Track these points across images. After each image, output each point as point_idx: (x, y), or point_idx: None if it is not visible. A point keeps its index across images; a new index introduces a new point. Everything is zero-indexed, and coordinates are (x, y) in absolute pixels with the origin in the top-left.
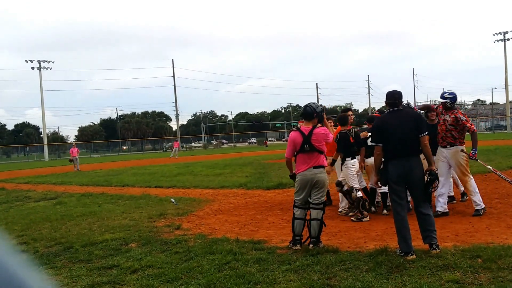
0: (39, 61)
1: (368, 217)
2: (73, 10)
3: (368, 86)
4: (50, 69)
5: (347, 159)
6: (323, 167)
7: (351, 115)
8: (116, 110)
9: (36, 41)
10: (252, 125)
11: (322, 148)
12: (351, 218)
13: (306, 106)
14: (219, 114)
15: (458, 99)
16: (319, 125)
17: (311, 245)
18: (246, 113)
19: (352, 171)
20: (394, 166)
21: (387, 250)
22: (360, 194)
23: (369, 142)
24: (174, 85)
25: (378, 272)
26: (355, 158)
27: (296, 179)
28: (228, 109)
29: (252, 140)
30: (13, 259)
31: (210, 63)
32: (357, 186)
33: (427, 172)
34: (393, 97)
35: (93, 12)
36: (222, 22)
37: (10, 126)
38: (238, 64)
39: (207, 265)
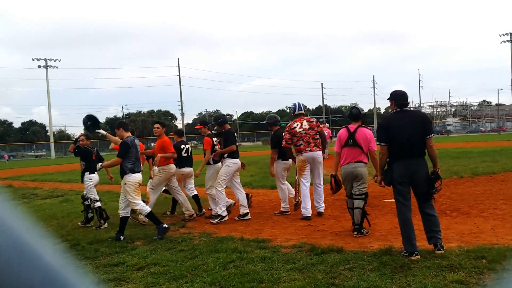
0: (45, 60)
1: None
2: (78, 9)
3: (374, 87)
4: (57, 67)
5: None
6: (363, 162)
7: None
8: (122, 108)
9: (43, 40)
10: (257, 125)
11: (363, 146)
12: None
13: (352, 108)
14: (224, 113)
15: (464, 99)
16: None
17: (355, 233)
18: (251, 113)
19: (88, 184)
20: (399, 167)
21: (392, 250)
22: (98, 204)
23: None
24: (180, 84)
25: (383, 272)
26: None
27: (341, 173)
28: (233, 108)
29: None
30: (57, 259)
31: (215, 62)
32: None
33: (431, 173)
34: (402, 97)
35: (98, 11)
36: (227, 21)
37: (17, 124)
38: (243, 63)
39: (212, 263)
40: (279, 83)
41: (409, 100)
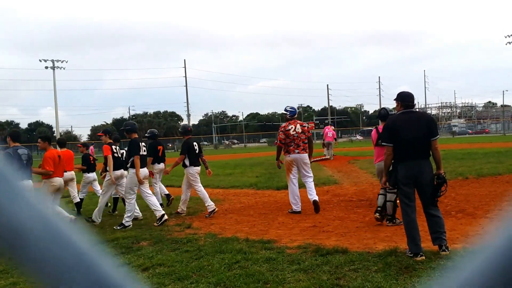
0: (52, 61)
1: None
2: (84, 10)
3: (379, 88)
4: (64, 68)
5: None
6: None
7: None
8: (129, 110)
9: (49, 41)
10: (263, 126)
11: None
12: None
13: (381, 109)
14: (230, 114)
15: (469, 100)
16: None
17: (387, 222)
18: (257, 114)
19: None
20: (404, 168)
21: (397, 251)
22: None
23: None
24: (186, 85)
25: (387, 272)
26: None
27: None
28: (239, 109)
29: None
30: (105, 260)
31: (220, 63)
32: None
33: (436, 176)
34: (408, 98)
35: (104, 12)
36: (231, 22)
37: (23, 125)
38: (248, 64)
39: (217, 264)
40: (285, 84)
41: (415, 101)
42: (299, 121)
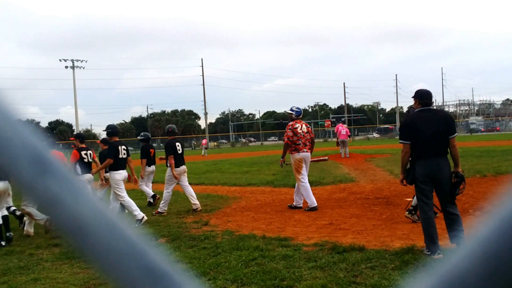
0: (72, 60)
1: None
2: (102, 10)
3: (396, 85)
4: (83, 68)
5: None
6: None
7: None
8: (147, 108)
9: (69, 41)
10: (279, 124)
11: None
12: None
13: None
14: (246, 112)
15: (487, 98)
16: None
17: (407, 212)
18: (274, 112)
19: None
20: (421, 166)
21: (414, 249)
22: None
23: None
24: (203, 84)
25: (404, 270)
26: None
27: None
28: (256, 107)
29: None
30: (153, 249)
31: (237, 62)
32: None
33: (453, 174)
34: (426, 96)
35: (121, 12)
36: (249, 21)
37: (44, 124)
38: (265, 63)
39: (234, 261)
40: (301, 82)
41: (432, 99)
42: (303, 122)
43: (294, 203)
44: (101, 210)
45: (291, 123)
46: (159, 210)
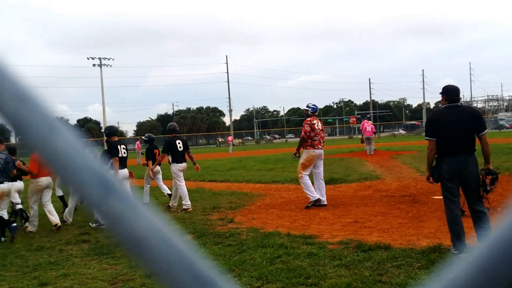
0: (99, 59)
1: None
2: (127, 7)
3: (423, 81)
4: (110, 66)
5: None
6: None
7: None
8: (172, 106)
9: (97, 39)
10: (303, 120)
11: None
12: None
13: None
14: (271, 109)
15: None
16: None
17: None
18: (298, 109)
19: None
20: (448, 163)
21: (440, 248)
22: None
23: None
24: (228, 81)
25: (431, 269)
26: None
27: None
28: (280, 104)
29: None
30: (200, 258)
31: (261, 58)
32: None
33: (484, 171)
34: (453, 92)
35: (145, 9)
36: (272, 17)
37: (73, 121)
38: (288, 59)
39: (259, 258)
40: (325, 78)
41: (460, 95)
42: (318, 119)
43: (316, 201)
44: (157, 225)
45: (308, 119)
46: (183, 207)
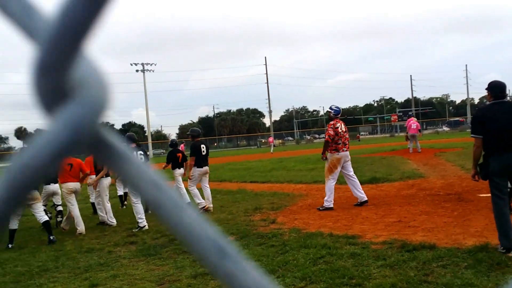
0: (142, 64)
1: None
2: (167, 12)
3: (466, 76)
4: (153, 71)
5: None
6: None
7: None
8: (213, 108)
9: (139, 45)
10: (343, 120)
11: None
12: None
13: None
14: (310, 109)
15: None
16: None
17: None
18: None
19: None
20: (496, 160)
21: (488, 247)
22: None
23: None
24: (267, 82)
25: (478, 269)
26: None
27: None
28: (319, 104)
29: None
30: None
31: (299, 59)
32: None
33: None
34: (499, 89)
35: (186, 13)
36: (310, 17)
37: (118, 126)
38: (326, 58)
39: (302, 259)
40: (364, 77)
41: (506, 91)
42: (341, 121)
43: (358, 200)
44: (264, 282)
45: (332, 122)
46: (200, 207)
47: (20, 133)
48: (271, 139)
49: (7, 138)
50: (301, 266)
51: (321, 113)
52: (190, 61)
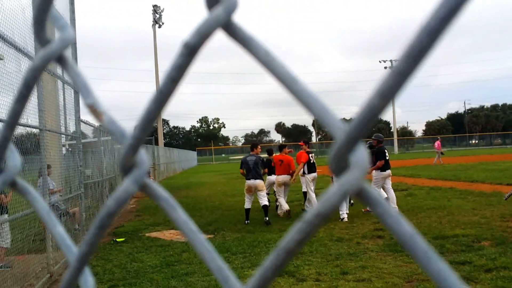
0: (391, 61)
1: None
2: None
3: None
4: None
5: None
6: None
7: None
8: (464, 104)
9: (387, 42)
10: None
11: None
12: None
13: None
14: None
15: None
16: None
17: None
18: None
19: None
20: None
21: None
22: None
23: None
24: None
25: None
26: None
27: None
28: None
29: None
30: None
31: None
32: None
33: None
34: None
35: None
36: None
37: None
38: None
39: None
40: None
41: None
42: None
43: None
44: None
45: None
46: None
47: (280, 127)
48: None
49: (269, 132)
50: None
51: None
52: (442, 54)
